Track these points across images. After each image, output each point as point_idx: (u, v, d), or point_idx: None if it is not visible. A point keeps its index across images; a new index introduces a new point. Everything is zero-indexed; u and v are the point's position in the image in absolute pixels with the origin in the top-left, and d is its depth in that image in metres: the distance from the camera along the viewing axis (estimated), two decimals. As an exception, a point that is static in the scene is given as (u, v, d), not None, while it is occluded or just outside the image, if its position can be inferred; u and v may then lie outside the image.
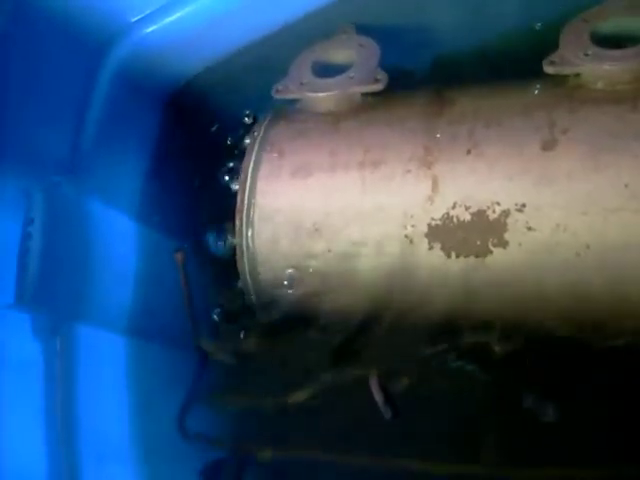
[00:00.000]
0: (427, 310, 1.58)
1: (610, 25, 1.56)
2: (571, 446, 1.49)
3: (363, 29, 1.80)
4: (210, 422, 1.78)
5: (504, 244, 1.48)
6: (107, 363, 1.72)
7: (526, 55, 1.69)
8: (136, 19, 1.89)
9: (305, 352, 1.73)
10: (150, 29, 1.90)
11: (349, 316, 1.66)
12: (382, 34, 1.75)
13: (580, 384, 1.51)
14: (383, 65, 1.68)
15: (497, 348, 1.57)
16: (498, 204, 1.48)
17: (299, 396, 1.70)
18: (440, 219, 1.52)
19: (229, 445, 1.75)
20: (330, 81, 1.71)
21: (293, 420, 1.69)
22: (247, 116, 1.90)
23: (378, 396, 1.51)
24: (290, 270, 1.65)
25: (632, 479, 1.45)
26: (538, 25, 1.78)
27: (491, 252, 1.49)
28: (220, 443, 1.76)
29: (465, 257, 1.51)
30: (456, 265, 1.51)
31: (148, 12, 1.89)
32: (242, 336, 1.81)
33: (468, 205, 1.50)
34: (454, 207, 1.51)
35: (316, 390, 1.69)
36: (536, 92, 1.54)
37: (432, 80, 1.80)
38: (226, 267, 1.78)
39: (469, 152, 1.52)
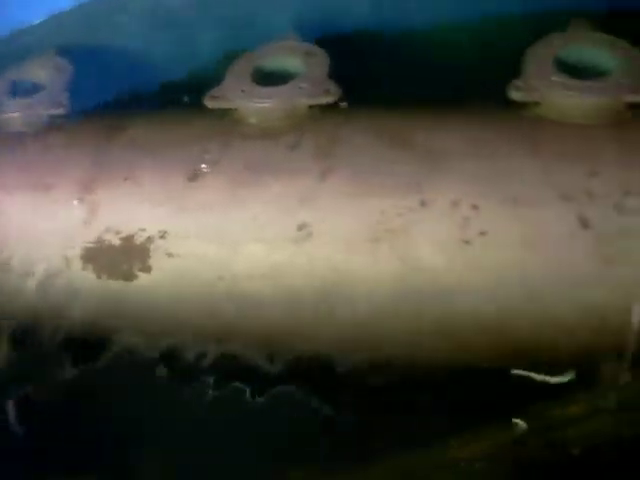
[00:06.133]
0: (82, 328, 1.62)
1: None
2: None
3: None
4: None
5: (148, 269, 1.53)
6: None
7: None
8: None
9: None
10: None
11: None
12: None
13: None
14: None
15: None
16: (144, 230, 1.54)
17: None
18: (94, 242, 1.57)
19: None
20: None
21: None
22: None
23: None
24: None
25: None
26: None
27: (137, 276, 1.54)
28: None
29: (115, 280, 1.55)
30: (107, 287, 1.56)
31: None
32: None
33: (119, 230, 1.56)
34: (107, 231, 1.57)
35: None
36: (195, 124, 1.62)
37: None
38: None
39: (126, 179, 1.58)
